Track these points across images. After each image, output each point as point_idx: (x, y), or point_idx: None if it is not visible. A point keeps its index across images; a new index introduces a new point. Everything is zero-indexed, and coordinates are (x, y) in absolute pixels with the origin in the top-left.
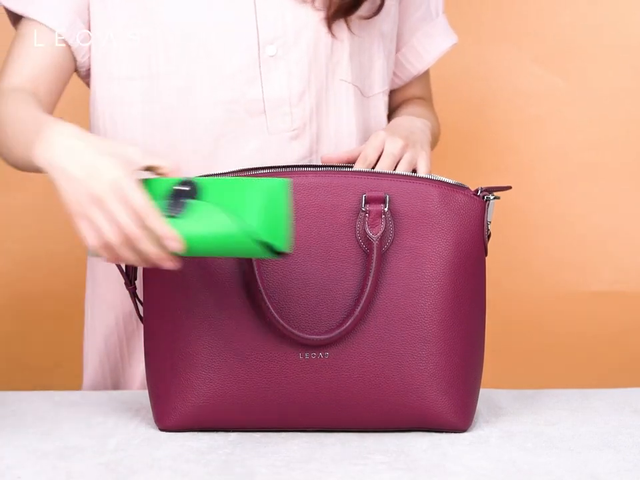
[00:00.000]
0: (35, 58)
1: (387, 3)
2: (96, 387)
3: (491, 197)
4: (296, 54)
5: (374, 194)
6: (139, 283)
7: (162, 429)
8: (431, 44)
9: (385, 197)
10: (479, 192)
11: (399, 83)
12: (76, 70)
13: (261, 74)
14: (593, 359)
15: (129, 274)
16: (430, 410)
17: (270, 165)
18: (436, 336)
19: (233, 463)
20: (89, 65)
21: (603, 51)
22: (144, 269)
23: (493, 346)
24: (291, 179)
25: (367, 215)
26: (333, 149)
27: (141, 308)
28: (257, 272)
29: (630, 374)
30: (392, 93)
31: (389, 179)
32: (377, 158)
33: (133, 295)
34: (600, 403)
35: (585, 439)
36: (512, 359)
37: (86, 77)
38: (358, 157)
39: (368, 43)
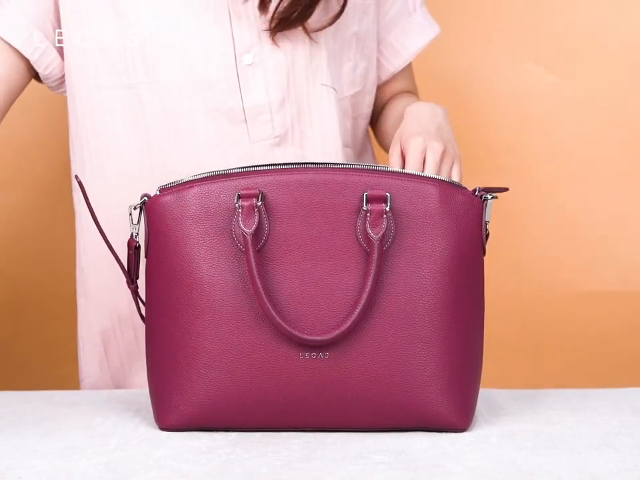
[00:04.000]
0: None
1: (364, 3)
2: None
3: (489, 197)
4: (273, 62)
5: (375, 192)
6: (140, 282)
7: (162, 428)
8: (408, 40)
9: (387, 196)
10: (477, 192)
11: (382, 78)
12: (40, 80)
13: (239, 83)
14: (593, 358)
15: (130, 273)
16: (430, 410)
17: (272, 163)
18: (436, 336)
19: (233, 463)
20: (59, 76)
21: (602, 51)
22: (146, 270)
23: (493, 346)
24: None
25: (369, 214)
26: (320, 154)
27: (143, 308)
28: (255, 272)
29: (630, 374)
30: (378, 88)
31: (390, 176)
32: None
33: (135, 294)
34: (600, 402)
35: (585, 439)
36: (512, 358)
37: (57, 87)
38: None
39: (339, 46)
